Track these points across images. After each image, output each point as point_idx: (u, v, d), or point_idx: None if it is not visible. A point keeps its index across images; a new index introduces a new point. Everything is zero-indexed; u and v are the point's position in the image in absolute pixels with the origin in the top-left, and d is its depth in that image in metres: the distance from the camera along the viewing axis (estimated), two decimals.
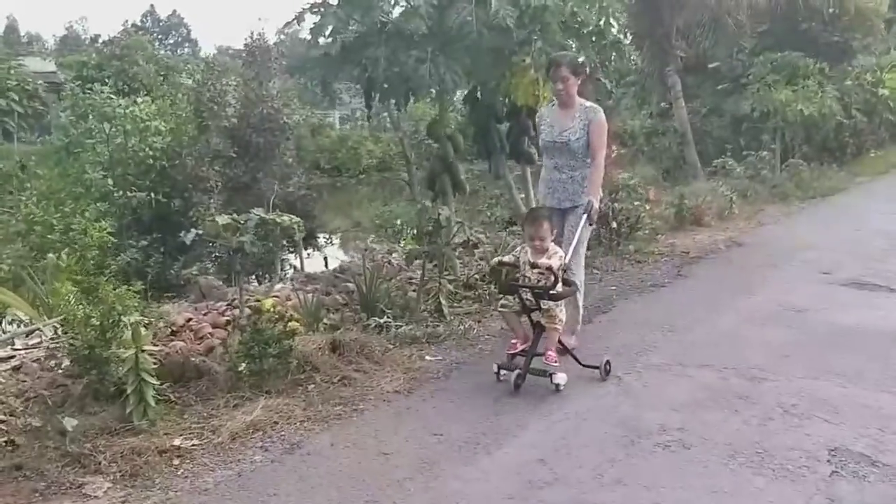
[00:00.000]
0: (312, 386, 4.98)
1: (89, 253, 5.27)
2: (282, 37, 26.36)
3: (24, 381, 5.21)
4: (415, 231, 11.01)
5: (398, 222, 13.32)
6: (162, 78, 24.89)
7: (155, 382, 4.40)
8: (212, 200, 11.46)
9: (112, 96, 12.24)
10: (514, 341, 5.22)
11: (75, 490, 3.69)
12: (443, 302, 6.68)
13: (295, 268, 11.58)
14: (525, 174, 9.17)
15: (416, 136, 16.27)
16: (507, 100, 8.45)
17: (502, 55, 7.20)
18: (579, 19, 7.67)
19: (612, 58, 8.88)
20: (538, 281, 4.94)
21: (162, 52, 38.89)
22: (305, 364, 5.16)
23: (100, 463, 3.90)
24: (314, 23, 7.03)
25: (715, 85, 18.85)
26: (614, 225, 8.89)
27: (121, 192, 10.37)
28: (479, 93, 8.19)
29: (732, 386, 4.88)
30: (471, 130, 8.82)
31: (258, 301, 6.32)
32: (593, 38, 7.92)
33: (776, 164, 15.27)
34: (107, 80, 17.47)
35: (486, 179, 13.55)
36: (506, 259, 5.19)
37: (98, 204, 9.46)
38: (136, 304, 5.19)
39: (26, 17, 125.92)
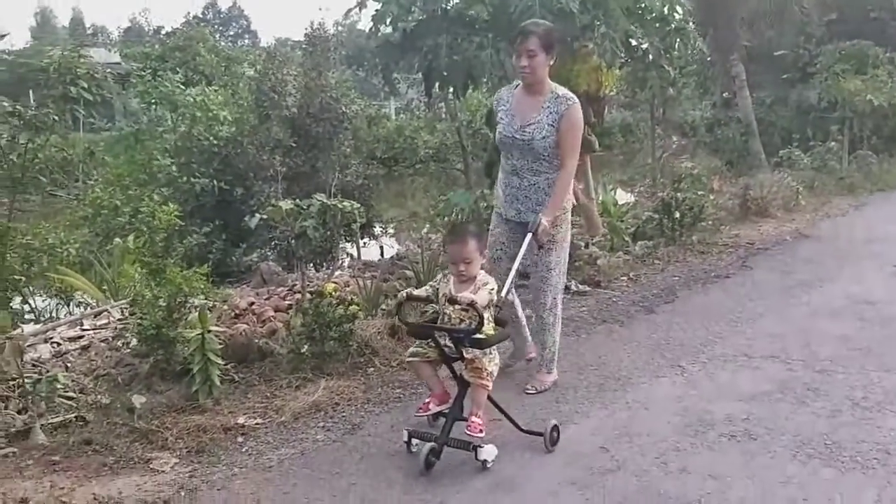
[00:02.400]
0: (372, 369, 5.02)
1: (157, 236, 5.38)
2: (339, 27, 26.51)
3: (93, 360, 5.37)
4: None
5: (454, 212, 13.31)
6: (223, 68, 25.29)
7: (220, 362, 4.48)
8: (272, 188, 11.58)
9: (181, 85, 12.49)
10: (427, 400, 3.94)
11: (143, 465, 3.77)
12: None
13: (351, 256, 11.66)
14: (585, 163, 9.08)
15: (472, 126, 16.21)
16: (567, 86, 8.38)
17: (564, 41, 7.13)
18: (643, 4, 7.56)
19: (676, 45, 8.72)
20: (460, 321, 3.72)
21: (222, 43, 39.46)
22: (365, 348, 5.20)
23: (166, 439, 3.99)
24: (376, 10, 7.07)
25: (780, 74, 18.35)
26: (677, 215, 8.73)
27: (185, 179, 10.56)
28: None
29: (800, 378, 4.75)
30: None
31: (319, 286, 6.40)
32: (657, 24, 7.80)
33: (844, 155, 14.81)
34: (177, 70, 17.79)
35: None
36: (418, 292, 3.92)
37: (163, 190, 9.65)
38: (202, 287, 5.28)
39: (91, 9, 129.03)
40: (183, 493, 3.47)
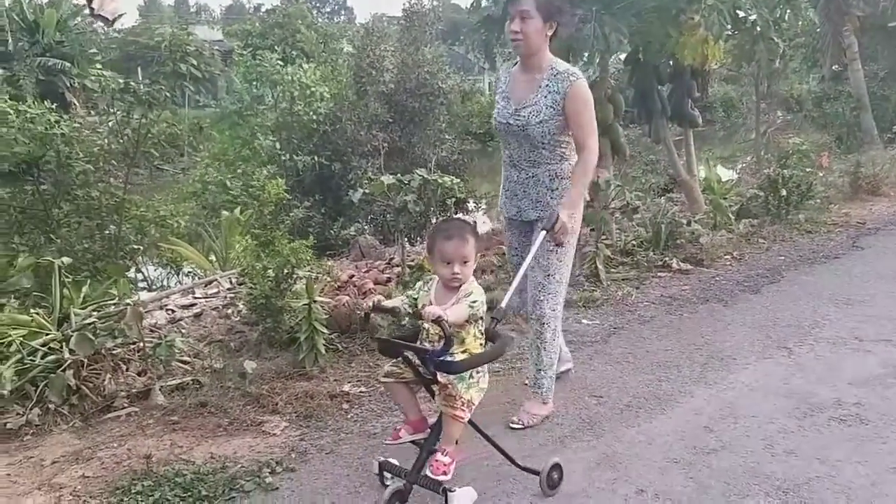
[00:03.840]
0: None
1: (266, 209, 5.57)
2: (435, 2, 26.54)
3: (206, 327, 5.63)
4: None
5: None
6: (322, 45, 25.75)
7: (325, 332, 4.62)
8: (369, 164, 11.77)
9: (280, 63, 12.81)
10: (398, 427, 3.29)
11: (255, 427, 3.94)
12: (600, 267, 6.60)
13: None
14: (688, 138, 8.89)
15: None
16: (670, 60, 8.19)
17: (668, 13, 6.96)
18: None
19: (786, 15, 8.39)
20: (439, 338, 3.01)
21: (319, 20, 40.14)
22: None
23: (276, 404, 4.14)
24: None
25: (895, 46, 17.42)
26: (783, 193, 8.44)
27: (286, 155, 10.85)
28: (641, 53, 7.95)
29: None
30: (630, 92, 8.60)
31: (418, 259, 6.49)
32: None
33: None
34: (276, 48, 18.22)
35: (642, 144, 13.21)
36: (389, 303, 3.23)
37: (266, 166, 9.95)
38: (307, 259, 5.44)
39: None
40: (294, 455, 3.60)
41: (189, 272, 8.26)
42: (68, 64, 23.58)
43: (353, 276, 6.81)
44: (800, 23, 9.23)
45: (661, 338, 5.21)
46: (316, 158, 10.96)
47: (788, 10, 8.08)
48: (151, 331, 5.30)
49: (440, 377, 2.96)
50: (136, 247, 7.11)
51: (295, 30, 27.12)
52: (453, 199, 6.65)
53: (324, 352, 4.59)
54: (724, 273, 6.79)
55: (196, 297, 6.48)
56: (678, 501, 3.15)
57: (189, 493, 3.25)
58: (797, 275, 6.67)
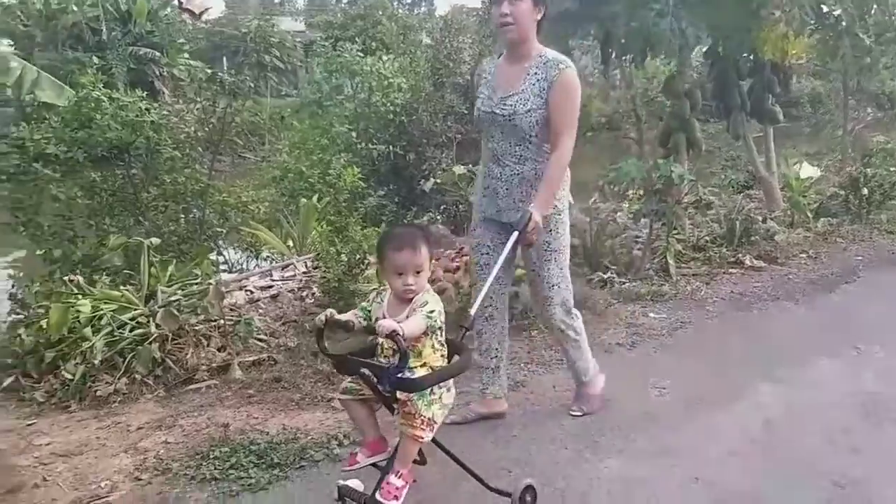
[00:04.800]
0: (535, 332, 5.17)
1: (341, 196, 5.77)
2: None
3: (282, 308, 5.86)
4: (642, 191, 10.85)
5: (624, 182, 13.13)
6: (401, 36, 26.04)
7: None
8: (444, 154, 11.89)
9: (360, 54, 13.05)
10: (356, 451, 2.99)
11: (325, 403, 4.13)
12: (670, 261, 6.59)
13: None
14: (768, 134, 8.74)
15: (648, 95, 15.82)
16: (750, 55, 8.07)
17: (748, 8, 6.87)
18: None
19: (873, 10, 8.16)
20: (393, 352, 2.79)
21: (400, 11, 40.55)
22: (529, 311, 5.34)
23: None
24: None
25: None
26: (865, 192, 8.23)
27: (363, 145, 11.04)
28: (720, 48, 7.87)
29: None
30: (708, 87, 8.51)
31: None
32: None
33: None
34: (356, 39, 18.53)
35: (720, 140, 13.00)
36: (343, 316, 2.85)
37: (342, 155, 10.17)
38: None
39: None
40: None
41: (267, 257, 8.54)
42: (158, 53, 24.41)
43: None
44: (888, 17, 8.93)
45: (728, 333, 5.20)
46: (391, 148, 11.11)
47: (875, 5, 7.88)
48: (231, 310, 5.55)
49: (399, 394, 2.71)
50: (218, 230, 7.41)
51: (376, 21, 27.47)
52: None
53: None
54: (799, 271, 6.69)
55: (273, 280, 6.72)
56: (733, 491, 3.19)
57: (262, 460, 3.45)
58: (874, 275, 6.53)
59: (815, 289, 6.17)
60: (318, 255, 5.67)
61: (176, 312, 4.68)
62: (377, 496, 2.71)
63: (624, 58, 7.92)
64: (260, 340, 4.96)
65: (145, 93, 7.71)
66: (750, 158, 9.08)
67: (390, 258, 2.79)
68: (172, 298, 4.88)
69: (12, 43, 23.53)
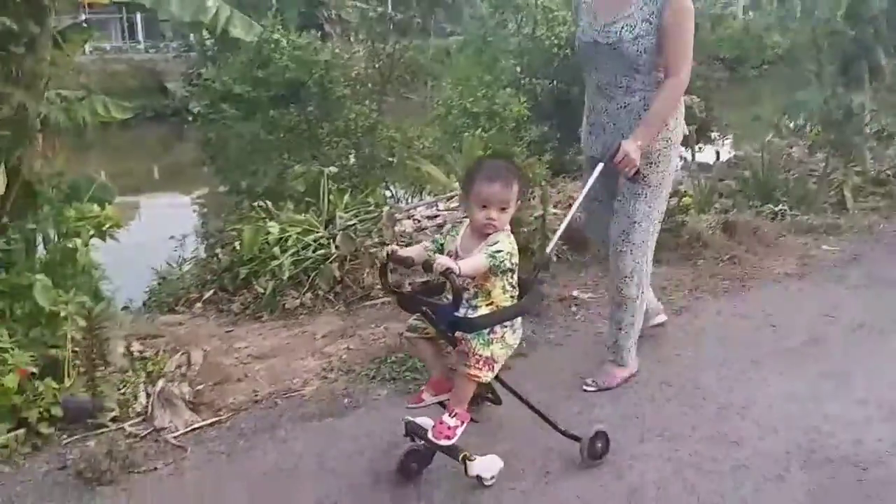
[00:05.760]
0: (702, 261, 5.15)
1: (507, 125, 5.90)
2: None
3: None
4: (819, 125, 10.29)
5: (802, 115, 12.44)
6: None
7: (557, 241, 4.89)
8: None
9: None
10: (422, 388, 2.95)
11: None
12: (847, 194, 6.33)
13: (684, 158, 11.50)
14: None
15: (829, 26, 14.74)
16: None
17: None
18: None
19: None
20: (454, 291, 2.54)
21: None
22: (696, 241, 5.32)
23: None
24: None
25: None
26: None
27: (527, 80, 11.06)
28: None
29: None
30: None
31: None
32: None
33: None
34: None
35: None
36: (405, 251, 2.76)
37: (507, 89, 10.25)
38: (542, 174, 5.73)
39: None
40: (524, 345, 3.94)
41: (431, 191, 8.83)
42: None
43: None
44: None
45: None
46: (555, 83, 11.06)
47: None
48: (401, 236, 5.89)
49: (457, 333, 2.63)
50: (389, 160, 7.78)
51: None
52: (694, 126, 6.60)
53: (555, 259, 4.88)
54: None
55: (439, 210, 7.00)
56: None
57: None
58: None
59: None
60: None
61: (353, 236, 5.03)
62: (428, 435, 2.68)
63: None
64: None
65: (319, 33, 8.11)
66: None
67: (479, 188, 2.62)
68: (349, 223, 5.24)
69: None
